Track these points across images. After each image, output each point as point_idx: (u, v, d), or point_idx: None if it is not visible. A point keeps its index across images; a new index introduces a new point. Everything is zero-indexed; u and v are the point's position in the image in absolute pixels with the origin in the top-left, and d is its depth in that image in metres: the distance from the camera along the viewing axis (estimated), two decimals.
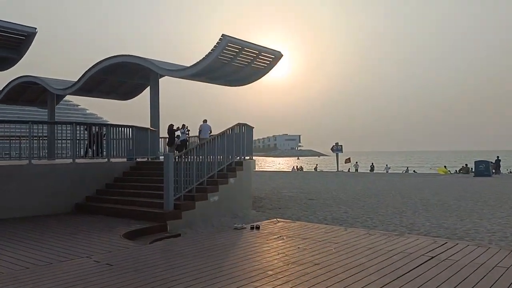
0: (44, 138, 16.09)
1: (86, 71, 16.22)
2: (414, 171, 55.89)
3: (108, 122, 12.31)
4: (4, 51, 10.70)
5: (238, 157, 12.49)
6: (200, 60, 13.01)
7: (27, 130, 10.69)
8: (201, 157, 10.64)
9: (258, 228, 8.44)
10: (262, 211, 12.89)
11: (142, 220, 9.39)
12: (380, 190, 20.18)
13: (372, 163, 63.17)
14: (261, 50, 13.69)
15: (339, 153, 52.36)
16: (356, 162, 59.02)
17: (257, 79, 15.72)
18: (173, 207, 9.48)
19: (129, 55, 14.84)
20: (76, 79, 17.03)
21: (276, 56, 14.51)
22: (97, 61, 15.81)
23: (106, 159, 12.42)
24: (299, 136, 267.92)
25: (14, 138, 13.88)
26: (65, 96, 20.38)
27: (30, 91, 20.70)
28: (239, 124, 12.47)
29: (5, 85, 19.97)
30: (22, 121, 10.64)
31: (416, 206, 13.62)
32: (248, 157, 13.08)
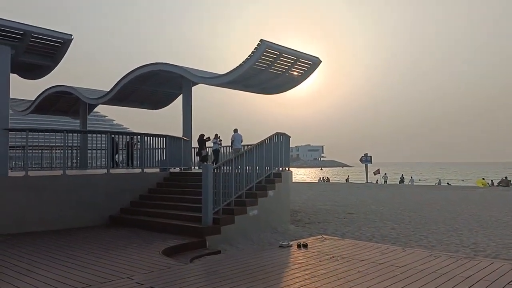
0: (76, 148, 16.01)
1: (120, 80, 16.05)
2: (448, 183, 53.79)
3: (141, 132, 11.87)
4: (39, 58, 10.51)
5: (276, 168, 11.89)
6: (237, 67, 12.54)
7: (60, 140, 10.42)
8: (239, 168, 10.08)
9: (305, 246, 7.77)
10: (302, 226, 12.18)
11: (179, 234, 8.88)
12: (421, 204, 19.09)
13: (402, 175, 61.51)
14: (299, 56, 13.11)
15: (368, 164, 51.03)
16: (385, 174, 57.31)
17: (293, 87, 15.15)
18: (212, 222, 8.92)
19: (162, 63, 14.56)
20: (103, 89, 17.00)
21: (314, 63, 13.90)
22: (130, 70, 15.61)
23: (140, 170, 12.03)
24: (322, 146, 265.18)
25: (45, 148, 13.76)
26: (97, 105, 20.33)
27: (63, 101, 20.78)
28: (277, 134, 11.89)
29: (38, 94, 20.10)
30: (57, 130, 10.37)
31: (469, 222, 12.60)
32: (286, 168, 12.46)
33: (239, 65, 12.38)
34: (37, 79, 11.49)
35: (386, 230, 11.20)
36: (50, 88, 19.26)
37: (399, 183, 55.51)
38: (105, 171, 11.17)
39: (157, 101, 19.70)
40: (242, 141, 19.20)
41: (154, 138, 12.53)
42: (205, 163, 9.31)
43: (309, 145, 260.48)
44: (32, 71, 11.47)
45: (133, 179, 11.78)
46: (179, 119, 15.45)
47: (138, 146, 12.43)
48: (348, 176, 66.08)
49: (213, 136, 18.79)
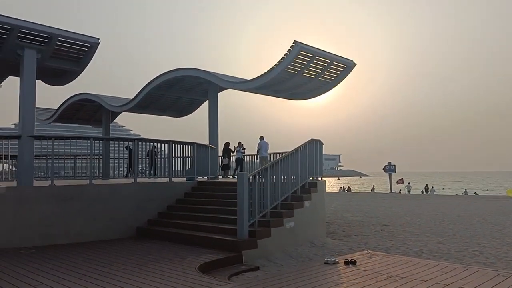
0: (99, 156, 15.71)
1: (144, 86, 15.71)
2: (475, 193, 52.07)
3: (169, 139, 11.40)
4: (65, 63, 10.16)
5: (311, 177, 11.25)
6: (268, 71, 12.00)
7: (87, 148, 10.02)
8: (274, 177, 9.46)
9: (354, 263, 7.08)
10: (338, 239, 11.46)
11: (212, 248, 8.30)
12: (458, 215, 18.07)
13: (427, 184, 60.07)
14: (333, 59, 12.49)
15: (392, 173, 49.73)
16: (408, 183, 55.78)
17: (324, 92, 14.50)
18: (247, 235, 8.31)
19: (189, 68, 14.14)
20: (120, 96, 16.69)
21: (348, 66, 13.25)
22: (156, 76, 15.24)
23: (168, 179, 11.53)
24: (339, 155, 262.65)
25: (68, 157, 13.45)
26: (120, 113, 20.07)
27: (85, 109, 20.60)
28: (312, 141, 11.26)
29: (60, 103, 19.95)
30: (83, 137, 9.96)
31: None
32: (319, 178, 11.80)
33: (270, 68, 11.83)
34: (62, 85, 11.15)
35: (433, 244, 10.37)
36: (73, 96, 19.09)
37: (423, 192, 54.18)
38: (131, 180, 10.70)
39: (181, 108, 19.31)
40: (268, 149, 18.62)
41: (181, 146, 12.04)
42: (240, 172, 8.73)
43: (326, 154, 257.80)
44: (57, 77, 11.15)
45: (161, 188, 11.28)
46: (198, 127, 15.06)
47: (161, 155, 11.97)
48: (374, 186, 64.64)
49: (237, 145, 18.28)
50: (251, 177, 8.67)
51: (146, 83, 15.59)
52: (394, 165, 49.73)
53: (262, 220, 8.91)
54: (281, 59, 11.53)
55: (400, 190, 54.10)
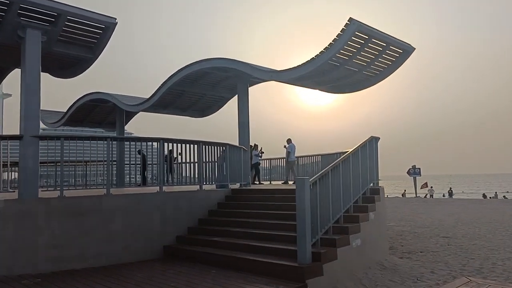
0: (112, 162, 14.19)
1: (164, 81, 14.14)
2: (504, 196, 49.44)
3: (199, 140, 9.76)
4: (75, 48, 8.62)
5: (372, 183, 9.50)
6: (316, 56, 10.26)
7: (102, 150, 8.42)
8: (334, 184, 7.72)
9: None
10: (407, 258, 9.68)
11: (264, 275, 6.62)
12: None
13: (450, 188, 57.94)
14: (390, 42, 10.71)
15: (417, 177, 47.50)
16: (431, 187, 53.55)
17: (375, 83, 12.72)
18: (311, 258, 6.57)
19: (216, 58, 12.50)
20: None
21: (405, 51, 11.45)
22: (178, 69, 13.65)
23: (198, 187, 9.88)
24: None
25: (79, 163, 11.93)
26: (135, 115, 18.56)
27: (98, 111, 19.14)
28: (372, 138, 9.51)
29: (70, 104, 18.52)
30: (99, 137, 8.36)
31: None
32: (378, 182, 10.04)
33: (320, 52, 10.09)
34: (71, 77, 9.62)
35: None
36: (84, 96, 17.64)
37: (444, 196, 52.15)
38: (155, 188, 9.06)
39: (204, 107, 17.66)
40: (295, 153, 16.98)
41: (211, 147, 10.39)
42: (300, 178, 7.03)
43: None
44: (67, 67, 9.59)
45: (190, 198, 9.63)
46: (217, 129, 13.37)
47: (179, 160, 10.31)
48: (405, 190, 62.42)
49: (253, 147, 16.43)
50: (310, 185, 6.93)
51: (166, 78, 14.00)
52: (419, 168, 47.50)
53: (325, 238, 7.18)
54: (332, 41, 9.80)
55: (426, 194, 51.93)
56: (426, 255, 10.07)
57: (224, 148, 10.81)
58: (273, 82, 14.62)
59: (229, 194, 10.72)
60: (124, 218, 8.23)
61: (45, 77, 8.89)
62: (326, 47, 9.93)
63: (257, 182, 16.55)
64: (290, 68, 10.91)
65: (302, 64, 10.51)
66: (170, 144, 9.51)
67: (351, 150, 8.54)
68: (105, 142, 8.23)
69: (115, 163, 15.37)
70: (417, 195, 47.71)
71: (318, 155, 16.86)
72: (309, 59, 10.40)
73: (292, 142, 17.01)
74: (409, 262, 9.05)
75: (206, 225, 9.44)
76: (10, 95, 29.96)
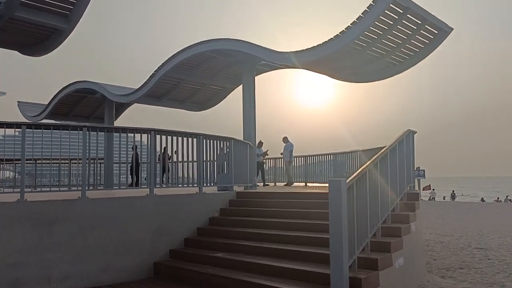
0: (98, 161, 12.68)
1: (158, 67, 12.54)
2: (510, 200, 48.24)
3: (201, 132, 8.16)
4: (48, 17, 7.01)
5: (408, 186, 7.96)
6: (343, 32, 8.67)
7: (77, 143, 6.80)
8: (371, 188, 6.16)
9: None
10: (449, 277, 8.15)
11: None
12: None
13: (453, 191, 57.04)
14: (428, 18, 9.16)
15: (421, 179, 46.14)
16: (433, 190, 52.39)
17: (399, 72, 11.18)
18: (348, 285, 4.99)
19: (219, 39, 10.89)
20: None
21: (441, 32, 9.89)
22: (173, 53, 12.04)
23: (197, 189, 8.29)
24: None
25: (51, 161, 10.25)
26: (127, 108, 16.95)
27: (85, 103, 17.52)
28: (408, 132, 7.97)
29: (53, 96, 16.86)
30: (73, 126, 6.73)
31: None
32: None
33: (346, 28, 8.51)
34: (43, 53, 8.06)
35: None
36: (69, 85, 16.02)
37: (444, 199, 51.11)
38: (145, 191, 7.45)
39: (204, 99, 16.02)
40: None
41: (213, 141, 8.81)
42: (334, 180, 5.48)
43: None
44: (36, 41, 7.95)
45: (187, 203, 8.05)
46: (218, 125, 11.79)
47: (174, 159, 8.65)
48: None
49: (257, 144, 14.75)
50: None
51: (161, 63, 12.41)
52: (424, 170, 46.08)
53: (362, 258, 5.61)
54: (362, 14, 8.21)
55: (429, 197, 50.57)
56: (470, 272, 8.53)
57: (227, 143, 9.24)
58: (281, 72, 13.05)
59: (234, 198, 9.16)
60: (104, 228, 6.62)
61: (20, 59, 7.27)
62: (354, 21, 8.35)
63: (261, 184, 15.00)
64: (309, 48, 9.30)
65: (324, 42, 8.93)
66: (164, 139, 7.88)
67: (388, 145, 6.97)
68: (81, 132, 6.61)
69: (101, 160, 13.82)
70: (421, 198, 46.26)
71: (330, 153, 15.34)
72: (332, 37, 8.82)
73: (290, 140, 15.38)
74: (455, 284, 7.50)
75: (206, 236, 7.85)
76: (4, 93, 28.47)
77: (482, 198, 50.69)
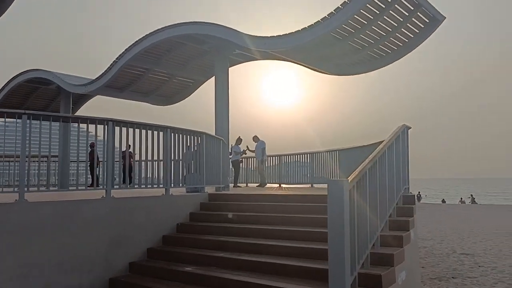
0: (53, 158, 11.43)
1: (120, 55, 11.33)
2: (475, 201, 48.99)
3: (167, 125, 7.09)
4: None
5: (404, 188, 7.18)
6: (331, 14, 7.79)
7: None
8: (371, 191, 5.30)
9: None
10: None
11: None
12: None
13: (419, 192, 57.98)
14: (421, 4, 8.43)
15: None
16: (419, 192, 52.75)
17: (386, 64, 10.47)
18: None
19: (190, 23, 9.78)
20: None
21: (433, 20, 9.22)
22: (138, 39, 10.85)
23: (164, 191, 7.21)
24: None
25: None
26: (87, 100, 15.54)
27: (39, 95, 15.98)
28: (404, 127, 7.20)
29: (1, 86, 15.24)
30: (10, 113, 5.51)
31: None
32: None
33: (336, 10, 7.64)
34: None
35: None
36: (18, 75, 14.46)
37: (417, 201, 51.52)
38: (102, 193, 6.30)
39: (171, 92, 14.81)
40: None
41: (183, 136, 7.74)
42: (334, 181, 4.58)
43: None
44: None
45: (151, 208, 6.94)
46: (186, 120, 10.70)
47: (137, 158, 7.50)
48: None
49: (234, 142, 13.75)
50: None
51: (123, 51, 11.18)
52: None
53: (362, 274, 4.73)
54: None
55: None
56: (466, 283, 7.86)
57: (198, 139, 8.19)
58: (257, 64, 12.11)
59: (206, 200, 8.11)
60: (47, 238, 5.44)
61: None
62: (338, 7, 7.50)
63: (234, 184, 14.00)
64: (291, 33, 8.37)
65: (309, 26, 8.02)
66: (125, 132, 6.72)
67: (384, 142, 6.12)
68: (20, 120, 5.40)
69: (55, 158, 12.48)
70: None
71: (307, 153, 14.52)
72: (314, 22, 7.93)
73: (260, 139, 14.45)
74: None
75: (173, 245, 6.78)
76: None
77: (443, 199, 51.43)
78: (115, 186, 6.50)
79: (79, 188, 6.42)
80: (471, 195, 51.77)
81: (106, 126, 6.32)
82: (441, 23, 9.27)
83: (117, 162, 7.90)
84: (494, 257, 10.52)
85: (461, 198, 51.73)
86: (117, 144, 6.68)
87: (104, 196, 6.23)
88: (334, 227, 4.11)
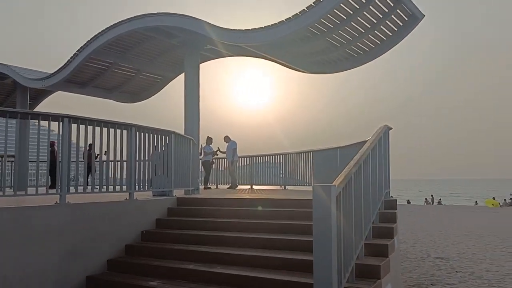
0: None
1: (81, 47, 10.51)
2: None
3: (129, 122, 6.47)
4: None
5: (385, 192, 6.86)
6: (310, 7, 7.37)
7: None
8: (357, 196, 4.89)
9: None
10: None
11: None
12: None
13: (408, 200, 58.87)
14: (401, 1, 8.14)
15: None
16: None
17: (363, 63, 10.18)
18: None
19: (159, 14, 9.14)
20: None
21: (411, 17, 8.97)
22: (100, 31, 10.10)
23: (128, 195, 6.58)
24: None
25: None
26: (46, 96, 14.56)
27: None
28: (386, 128, 6.88)
29: None
30: None
31: None
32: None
33: (315, 3, 7.21)
34: None
35: None
36: None
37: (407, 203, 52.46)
38: (55, 198, 5.61)
39: (138, 89, 14.04)
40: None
41: (149, 135, 7.13)
42: (319, 184, 4.13)
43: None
44: None
45: (112, 214, 6.28)
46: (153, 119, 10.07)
47: (103, 158, 6.84)
48: None
49: (205, 142, 13.13)
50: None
51: (84, 42, 10.39)
52: None
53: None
54: None
55: None
56: None
57: (166, 138, 7.59)
58: (228, 60, 11.59)
59: (174, 205, 7.52)
60: None
61: None
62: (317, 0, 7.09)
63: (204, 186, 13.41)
64: (266, 27, 7.89)
65: (287, 19, 7.57)
66: (83, 130, 6.04)
67: (368, 144, 5.73)
68: None
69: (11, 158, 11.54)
70: None
71: (280, 154, 14.14)
72: (291, 15, 7.50)
73: (232, 139, 13.95)
74: None
75: (138, 255, 6.15)
76: None
77: (408, 200, 52.30)
78: (71, 191, 5.80)
79: (29, 193, 5.67)
80: (432, 195, 53.15)
81: (61, 122, 5.64)
82: (420, 21, 9.05)
83: (80, 163, 7.23)
84: (469, 261, 10.42)
85: (426, 199, 52.86)
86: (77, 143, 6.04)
87: (58, 202, 5.55)
88: (321, 238, 3.69)
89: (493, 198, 45.25)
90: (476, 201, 48.92)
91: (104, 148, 6.33)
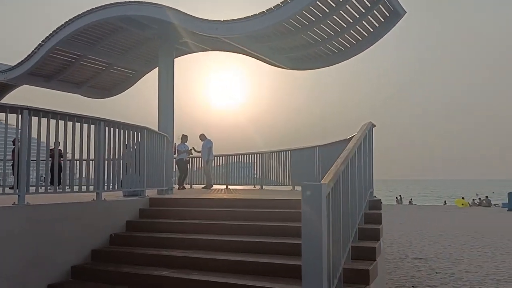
0: None
1: (46, 37, 9.87)
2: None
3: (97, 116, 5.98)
4: None
5: (370, 192, 6.63)
6: (287, 2, 7.05)
7: None
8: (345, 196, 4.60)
9: None
10: None
11: None
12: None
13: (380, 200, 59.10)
14: None
15: None
16: None
17: (342, 60, 9.96)
18: None
19: (132, 2, 8.61)
20: None
21: (393, 13, 8.80)
22: (67, 20, 9.49)
23: (95, 196, 6.07)
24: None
25: None
26: (11, 90, 13.72)
27: None
28: (370, 125, 6.64)
29: None
30: None
31: None
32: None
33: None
34: None
35: None
36: None
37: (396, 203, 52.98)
38: (13, 199, 5.07)
39: (109, 84, 13.37)
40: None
41: (120, 131, 6.64)
42: (307, 183, 3.79)
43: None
44: None
45: (78, 216, 5.76)
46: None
47: (68, 157, 6.35)
48: None
49: (180, 140, 12.63)
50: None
51: (50, 32, 9.76)
52: None
53: None
54: None
55: None
56: None
57: (139, 135, 7.12)
58: (205, 55, 11.17)
59: (146, 206, 7.05)
60: None
61: None
62: None
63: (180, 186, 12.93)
64: (245, 18, 7.52)
65: (268, 10, 7.23)
66: (45, 124, 5.51)
67: (354, 141, 5.45)
68: None
69: None
70: None
71: (257, 153, 13.82)
72: (277, 4, 7.17)
73: (207, 137, 13.55)
74: None
75: (105, 261, 5.67)
76: None
77: (380, 200, 52.97)
78: (31, 191, 5.27)
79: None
80: (400, 195, 54.11)
81: (19, 115, 5.10)
82: (402, 17, 8.89)
83: (42, 162, 6.68)
84: (447, 261, 10.35)
85: (397, 198, 53.68)
86: (43, 139, 5.50)
87: (16, 202, 5.01)
88: (310, 243, 3.37)
89: (462, 198, 46.44)
90: (445, 201, 50.13)
91: (69, 145, 5.82)
